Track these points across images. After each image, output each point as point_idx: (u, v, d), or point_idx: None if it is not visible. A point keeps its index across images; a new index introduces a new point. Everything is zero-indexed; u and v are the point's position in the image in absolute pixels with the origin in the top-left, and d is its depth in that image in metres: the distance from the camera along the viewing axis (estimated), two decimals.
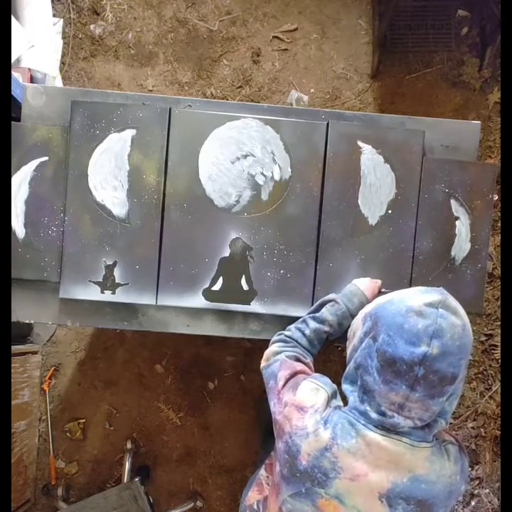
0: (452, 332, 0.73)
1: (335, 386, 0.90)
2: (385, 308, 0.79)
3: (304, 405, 0.84)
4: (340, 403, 0.87)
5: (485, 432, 1.90)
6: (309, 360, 0.99)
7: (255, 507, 1.05)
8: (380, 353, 0.75)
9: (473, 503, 1.88)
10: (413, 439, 0.78)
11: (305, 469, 0.80)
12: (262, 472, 1.12)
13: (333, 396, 0.87)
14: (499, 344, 1.89)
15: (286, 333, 1.04)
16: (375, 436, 0.78)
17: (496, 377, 1.90)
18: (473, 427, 1.91)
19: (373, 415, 0.78)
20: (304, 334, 1.02)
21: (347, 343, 0.93)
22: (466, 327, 0.76)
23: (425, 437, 0.79)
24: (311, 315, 1.04)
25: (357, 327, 0.88)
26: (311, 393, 0.85)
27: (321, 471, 0.79)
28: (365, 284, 1.07)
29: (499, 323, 1.91)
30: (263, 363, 1.01)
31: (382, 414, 0.78)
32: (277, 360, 0.96)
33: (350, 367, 0.86)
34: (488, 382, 1.91)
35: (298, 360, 0.96)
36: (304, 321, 1.04)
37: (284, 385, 0.90)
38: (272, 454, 1.10)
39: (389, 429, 0.78)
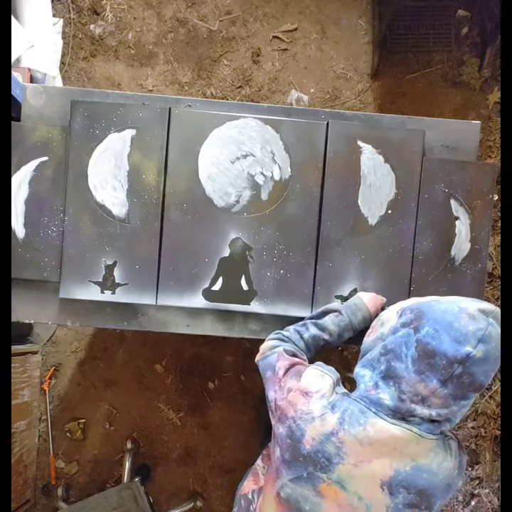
0: (497, 342, 0.75)
1: (338, 374, 0.91)
2: (431, 306, 0.81)
3: (309, 390, 0.85)
4: (346, 390, 0.88)
5: (485, 432, 1.90)
6: (305, 357, 1.00)
7: (249, 496, 1.05)
8: (422, 343, 0.77)
9: (473, 503, 1.88)
10: (422, 429, 0.79)
11: (308, 453, 0.81)
12: (259, 462, 1.13)
13: (337, 383, 0.89)
14: None
15: (285, 333, 1.04)
16: (385, 424, 0.79)
17: (496, 377, 1.90)
18: (473, 427, 1.91)
19: (387, 402, 0.79)
20: (302, 337, 1.02)
21: (367, 332, 0.95)
22: None
23: (433, 430, 0.80)
24: (312, 321, 1.04)
25: (388, 318, 0.89)
26: (317, 379, 0.87)
27: (325, 455, 0.80)
28: (370, 300, 1.07)
29: None
30: (258, 357, 1.02)
31: (400, 400, 0.78)
32: (275, 353, 0.97)
33: (372, 353, 0.87)
34: None
35: (295, 355, 0.97)
36: (305, 325, 1.04)
37: (284, 374, 0.91)
38: (269, 444, 1.11)
39: (400, 418, 0.79)
